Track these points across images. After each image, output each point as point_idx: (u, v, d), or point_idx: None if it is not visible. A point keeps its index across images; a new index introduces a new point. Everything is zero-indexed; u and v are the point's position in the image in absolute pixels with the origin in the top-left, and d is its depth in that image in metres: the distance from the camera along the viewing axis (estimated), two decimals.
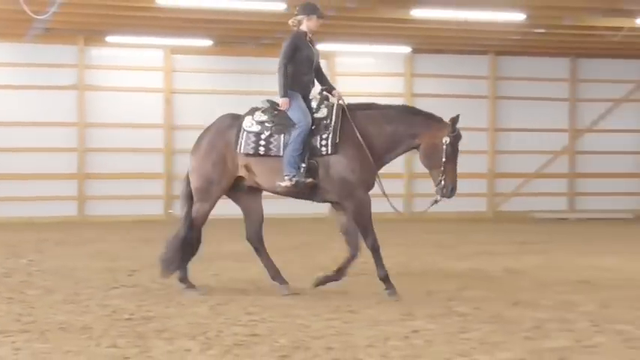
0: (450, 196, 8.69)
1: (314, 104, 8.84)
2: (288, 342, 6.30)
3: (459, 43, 25.70)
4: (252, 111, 8.89)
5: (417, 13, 19.41)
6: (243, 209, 9.12)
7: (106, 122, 23.08)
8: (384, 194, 8.81)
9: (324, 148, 8.60)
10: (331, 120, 8.68)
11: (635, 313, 7.50)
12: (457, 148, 8.70)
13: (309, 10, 8.88)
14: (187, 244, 8.81)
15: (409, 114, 9.00)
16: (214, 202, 8.92)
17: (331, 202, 8.98)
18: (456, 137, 8.66)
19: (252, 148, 8.70)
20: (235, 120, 8.92)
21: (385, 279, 8.61)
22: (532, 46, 26.22)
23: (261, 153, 8.67)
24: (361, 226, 8.65)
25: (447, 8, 19.50)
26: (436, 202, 8.67)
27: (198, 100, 24.20)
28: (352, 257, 8.82)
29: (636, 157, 28.44)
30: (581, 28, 22.81)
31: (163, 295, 8.66)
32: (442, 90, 26.64)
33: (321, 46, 26.23)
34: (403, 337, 6.48)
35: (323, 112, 8.77)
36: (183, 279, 8.85)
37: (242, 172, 8.79)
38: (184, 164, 9.46)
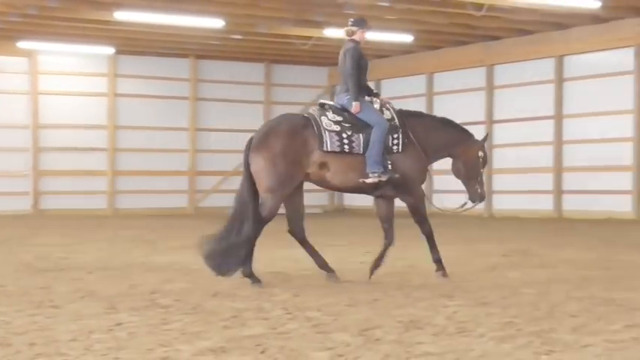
0: (482, 201, 9.91)
1: (376, 107, 9.50)
2: None
3: (161, 46, 25.86)
4: (323, 112, 9.34)
5: (120, 15, 19.39)
6: (289, 205, 9.52)
7: None
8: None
9: (395, 147, 9.31)
10: (397, 121, 9.40)
11: (323, 300, 7.91)
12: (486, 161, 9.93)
13: (363, 23, 9.86)
14: (252, 242, 9.17)
15: (450, 126, 9.89)
16: (284, 199, 9.27)
17: (381, 196, 9.57)
18: (485, 152, 9.87)
19: (337, 146, 9.13)
20: (306, 120, 9.27)
21: (438, 261, 9.50)
22: (230, 51, 26.93)
23: (346, 150, 9.16)
24: (419, 216, 9.59)
25: (149, 12, 19.61)
26: (468, 207, 9.89)
27: None
28: (389, 244, 9.67)
29: None
30: (275, 36, 23.77)
31: None
32: (145, 91, 26.71)
33: (22, 44, 25.75)
34: (107, 330, 6.45)
35: (387, 114, 9.45)
36: (251, 274, 9.16)
37: (312, 169, 9.20)
38: None
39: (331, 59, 28.78)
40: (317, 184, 9.59)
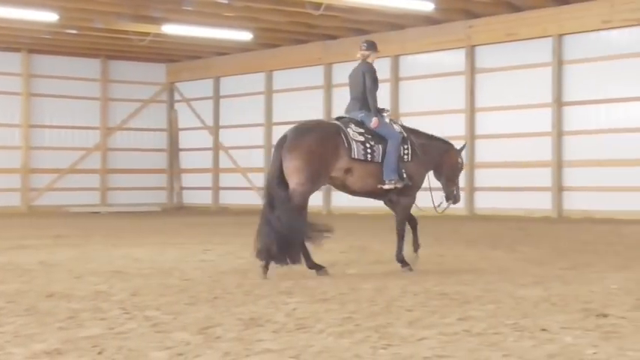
0: (456, 203, 11.20)
1: (386, 120, 10.47)
2: None
3: None
4: (346, 123, 10.19)
5: None
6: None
7: None
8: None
9: (406, 156, 10.34)
10: (404, 134, 10.43)
11: (162, 299, 7.82)
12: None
13: (375, 46, 10.72)
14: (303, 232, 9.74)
15: (436, 139, 11.01)
16: (311, 194, 9.95)
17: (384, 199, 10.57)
18: (462, 159, 11.23)
19: (362, 154, 10.03)
20: (337, 128, 10.09)
21: (402, 261, 10.29)
22: (65, 46, 26.29)
23: (368, 159, 10.06)
24: (402, 216, 10.54)
25: None
26: (444, 207, 11.07)
27: None
28: (416, 226, 10.70)
29: (161, 154, 29.67)
30: (112, 32, 23.35)
31: None
32: None
33: None
34: None
35: (397, 127, 10.48)
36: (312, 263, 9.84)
37: (336, 174, 9.98)
38: None
39: (169, 55, 28.54)
40: (336, 187, 10.45)
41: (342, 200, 25.13)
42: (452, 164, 11.00)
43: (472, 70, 22.34)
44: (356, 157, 9.99)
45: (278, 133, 26.72)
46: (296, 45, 26.06)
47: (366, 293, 8.16)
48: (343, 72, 24.88)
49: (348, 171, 10.01)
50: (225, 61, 28.16)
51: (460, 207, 22.16)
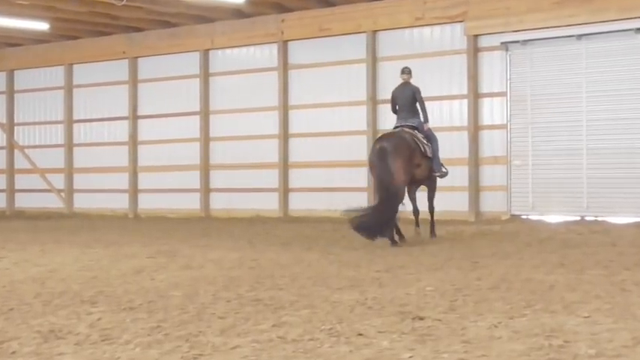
0: None
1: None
2: None
3: None
4: (411, 129, 13.73)
5: None
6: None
7: None
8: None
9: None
10: None
11: None
12: None
13: (411, 71, 14.37)
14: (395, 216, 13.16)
15: None
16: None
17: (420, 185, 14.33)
18: None
19: (428, 152, 13.61)
20: (411, 134, 13.60)
21: (434, 227, 14.37)
22: None
23: (429, 155, 13.72)
24: (433, 194, 14.30)
25: None
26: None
27: None
28: (417, 212, 14.21)
29: None
30: None
31: None
32: None
33: None
34: None
35: None
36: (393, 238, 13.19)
37: (413, 168, 13.42)
38: None
39: None
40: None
41: (151, 203, 24.19)
42: None
43: (285, 66, 21.85)
44: (425, 153, 13.55)
45: (79, 130, 25.61)
46: (98, 37, 24.84)
47: (176, 300, 7.83)
48: (150, 66, 24.18)
49: (418, 165, 13.51)
50: (19, 52, 26.58)
51: (274, 208, 21.69)
